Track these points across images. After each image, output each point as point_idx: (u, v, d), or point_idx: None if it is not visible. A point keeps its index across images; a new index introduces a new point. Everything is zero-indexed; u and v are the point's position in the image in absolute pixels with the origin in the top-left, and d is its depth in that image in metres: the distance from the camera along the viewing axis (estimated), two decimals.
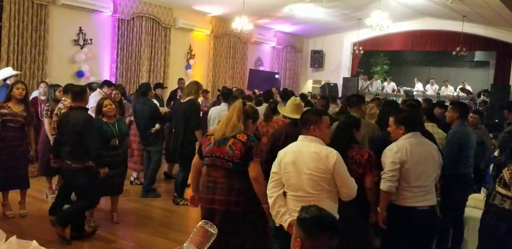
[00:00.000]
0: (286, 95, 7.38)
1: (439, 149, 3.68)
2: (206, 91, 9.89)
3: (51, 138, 5.36)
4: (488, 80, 16.50)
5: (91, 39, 9.59)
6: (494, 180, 4.20)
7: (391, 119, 3.53)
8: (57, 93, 5.58)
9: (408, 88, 15.84)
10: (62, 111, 5.02)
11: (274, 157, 3.08)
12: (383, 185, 3.31)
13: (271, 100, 6.40)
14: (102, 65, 10.04)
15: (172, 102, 8.81)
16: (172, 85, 11.06)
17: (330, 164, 2.81)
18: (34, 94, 7.01)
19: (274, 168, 2.98)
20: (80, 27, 9.41)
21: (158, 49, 11.12)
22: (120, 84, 8.71)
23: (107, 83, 6.85)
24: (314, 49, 16.93)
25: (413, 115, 3.62)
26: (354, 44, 15.68)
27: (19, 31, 8.26)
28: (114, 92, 6.51)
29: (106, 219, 5.03)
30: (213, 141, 3.22)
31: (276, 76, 15.11)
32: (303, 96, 8.78)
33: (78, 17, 9.38)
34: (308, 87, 17.47)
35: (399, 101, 7.30)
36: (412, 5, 12.65)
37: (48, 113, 5.43)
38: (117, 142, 4.73)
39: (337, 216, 2.86)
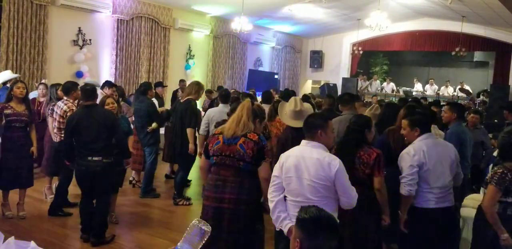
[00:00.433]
0: (288, 95, 7.36)
1: None
2: (210, 91, 9.91)
3: (53, 137, 5.36)
4: (488, 80, 16.50)
5: (90, 40, 9.59)
6: None
7: (404, 122, 3.51)
8: (58, 92, 5.57)
9: (407, 88, 15.84)
10: (69, 114, 5.00)
11: None
12: (403, 190, 3.29)
13: (275, 100, 6.38)
14: (101, 66, 10.04)
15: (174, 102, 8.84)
16: (171, 85, 11.07)
17: (332, 172, 2.76)
18: (32, 95, 7.00)
19: (276, 171, 2.93)
20: (79, 28, 9.41)
21: (157, 49, 11.12)
22: (120, 85, 8.71)
23: (108, 83, 6.84)
24: (313, 50, 16.93)
25: (426, 116, 3.62)
26: (354, 45, 15.68)
27: (18, 31, 8.26)
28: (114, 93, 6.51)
29: None
30: (222, 140, 3.20)
31: (276, 76, 15.11)
32: (306, 97, 8.75)
33: (77, 18, 9.37)
34: (307, 87, 17.47)
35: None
36: (411, 5, 12.65)
37: (50, 112, 5.43)
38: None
39: (337, 221, 2.86)
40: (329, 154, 2.87)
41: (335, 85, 15.17)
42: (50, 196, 5.52)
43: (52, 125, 5.33)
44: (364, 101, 11.13)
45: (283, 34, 15.68)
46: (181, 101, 5.82)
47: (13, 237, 1.89)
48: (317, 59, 16.83)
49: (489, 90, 13.77)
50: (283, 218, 2.86)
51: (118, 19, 10.05)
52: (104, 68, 10.08)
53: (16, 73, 8.21)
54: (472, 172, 5.25)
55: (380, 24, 11.15)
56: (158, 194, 6.19)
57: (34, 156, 5.08)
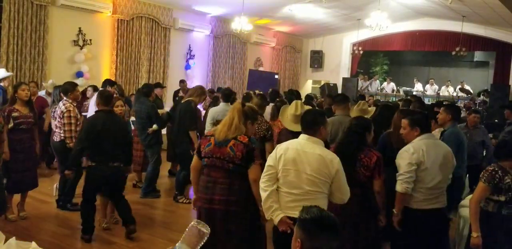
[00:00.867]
0: (291, 95, 7.38)
1: None
2: (212, 91, 9.92)
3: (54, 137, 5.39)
4: (488, 80, 16.50)
5: (90, 40, 9.59)
6: None
7: (404, 122, 3.51)
8: (62, 95, 5.58)
9: (407, 88, 15.85)
10: (66, 114, 5.04)
11: None
12: (400, 187, 3.29)
13: (277, 100, 6.42)
14: (102, 66, 10.04)
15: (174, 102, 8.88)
16: (171, 85, 11.08)
17: (333, 169, 2.84)
18: (39, 93, 7.07)
19: (271, 161, 2.96)
20: (79, 28, 9.41)
21: (157, 49, 11.12)
22: (119, 84, 8.71)
23: (109, 82, 6.83)
24: (313, 49, 16.92)
25: (426, 116, 3.61)
26: (354, 44, 15.67)
27: (19, 31, 8.26)
28: (115, 92, 6.52)
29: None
30: (213, 142, 3.22)
31: (276, 76, 15.11)
32: (309, 98, 8.77)
33: (77, 18, 9.37)
34: (307, 87, 17.46)
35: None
36: (411, 5, 12.64)
37: (53, 114, 5.46)
38: None
39: None
40: (329, 151, 2.97)
41: (335, 85, 15.16)
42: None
43: (54, 127, 5.37)
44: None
45: (283, 34, 15.68)
46: (182, 101, 5.87)
47: (14, 238, 1.90)
48: (317, 59, 16.82)
49: (489, 90, 13.77)
50: (275, 209, 2.90)
51: (118, 19, 10.06)
52: (104, 68, 10.08)
53: (16, 73, 8.24)
54: (472, 172, 5.26)
55: (380, 24, 11.15)
56: (159, 195, 6.19)
57: (38, 156, 5.14)
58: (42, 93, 7.46)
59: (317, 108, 7.07)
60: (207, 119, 6.09)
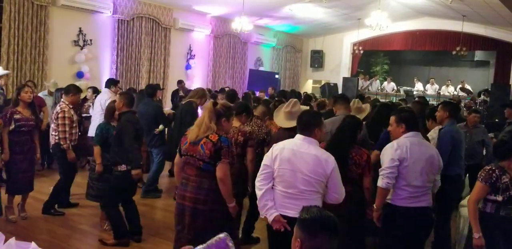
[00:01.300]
0: (292, 95, 7.46)
1: None
2: (216, 91, 9.95)
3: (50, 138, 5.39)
4: (488, 79, 16.50)
5: (91, 40, 9.60)
6: None
7: (392, 118, 3.54)
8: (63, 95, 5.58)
9: (408, 88, 15.84)
10: (60, 115, 5.03)
11: None
12: (381, 182, 3.30)
13: (276, 99, 6.45)
14: (102, 66, 10.05)
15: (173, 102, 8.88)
16: (172, 85, 11.09)
17: (328, 168, 2.88)
18: (40, 94, 7.07)
19: (267, 161, 3.01)
20: (80, 28, 9.42)
21: (158, 49, 11.13)
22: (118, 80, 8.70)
23: (112, 81, 6.80)
24: (314, 49, 16.93)
25: (414, 115, 3.62)
26: (354, 44, 15.68)
27: (19, 32, 8.27)
28: (119, 91, 6.52)
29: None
30: (189, 140, 3.31)
31: (276, 76, 15.12)
32: (308, 97, 8.79)
33: (78, 18, 9.38)
34: (308, 87, 17.47)
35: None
36: (411, 4, 12.64)
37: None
38: None
39: None
40: (324, 151, 3.01)
41: (335, 84, 15.17)
42: None
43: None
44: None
45: (284, 33, 15.68)
46: (183, 103, 5.92)
47: (14, 238, 1.90)
48: (317, 58, 16.83)
49: (490, 89, 13.76)
50: (270, 207, 2.94)
51: (118, 19, 10.07)
52: (104, 68, 10.09)
53: (17, 73, 8.25)
54: (472, 171, 5.25)
55: (380, 23, 11.15)
56: (160, 194, 6.19)
57: (38, 160, 5.14)
58: (44, 93, 7.46)
59: (316, 108, 7.12)
60: None
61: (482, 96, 13.89)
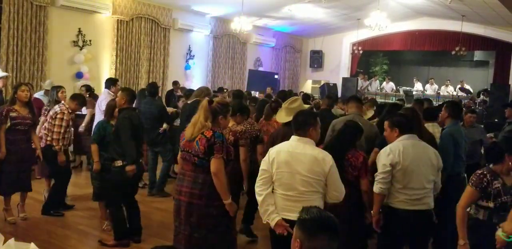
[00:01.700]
0: (284, 96, 7.50)
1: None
2: (215, 91, 9.94)
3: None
4: (488, 79, 16.51)
5: (90, 40, 9.60)
6: None
7: (385, 123, 3.56)
8: (59, 94, 5.55)
9: (407, 88, 15.83)
10: (59, 116, 4.97)
11: None
12: (375, 188, 3.33)
13: (272, 99, 6.45)
14: (101, 66, 10.05)
15: (170, 102, 8.88)
16: (171, 86, 11.08)
17: (326, 167, 2.88)
18: (36, 95, 7.04)
19: (264, 165, 3.01)
20: (79, 28, 9.42)
21: (157, 50, 11.12)
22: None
23: (112, 81, 6.75)
24: (313, 49, 16.94)
25: (407, 118, 3.62)
26: (353, 44, 15.68)
27: (18, 32, 8.27)
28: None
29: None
30: (186, 137, 3.34)
31: (276, 76, 15.12)
32: (306, 96, 8.83)
33: (77, 18, 9.38)
34: (307, 87, 17.48)
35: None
36: (411, 5, 12.65)
37: (46, 112, 5.43)
38: None
39: None
40: (321, 150, 3.01)
41: (335, 85, 15.17)
42: None
43: (42, 126, 5.31)
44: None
45: (283, 34, 15.68)
46: (189, 102, 5.94)
47: (13, 239, 1.90)
48: (317, 59, 16.83)
49: (489, 89, 13.77)
50: (271, 212, 2.93)
51: (118, 19, 10.06)
52: (104, 68, 10.09)
53: (16, 74, 8.24)
54: (471, 171, 5.25)
55: (379, 23, 11.16)
56: (169, 193, 6.22)
57: (41, 159, 5.10)
58: (40, 93, 7.43)
59: (314, 108, 7.14)
60: None
61: (481, 96, 13.90)
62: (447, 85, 15.79)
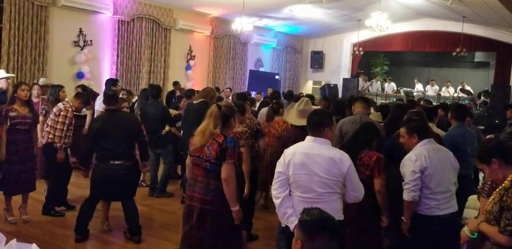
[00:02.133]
0: (290, 96, 7.46)
1: None
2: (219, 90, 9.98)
3: (40, 137, 5.38)
4: (488, 80, 16.49)
5: (91, 40, 9.60)
6: None
7: (402, 130, 3.53)
8: (61, 94, 5.51)
9: (408, 89, 15.84)
10: (63, 113, 4.94)
11: None
12: (407, 196, 3.26)
13: (274, 101, 6.45)
14: (102, 67, 10.05)
15: (170, 103, 8.87)
16: (172, 86, 11.08)
17: (344, 168, 2.81)
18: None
19: (280, 167, 2.94)
20: (80, 29, 9.42)
21: (158, 50, 11.13)
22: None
23: (112, 82, 6.72)
24: (314, 50, 16.94)
25: (423, 122, 3.64)
26: (354, 45, 15.68)
27: (19, 32, 8.27)
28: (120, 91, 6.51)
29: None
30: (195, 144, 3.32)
31: (276, 77, 15.12)
32: (310, 98, 8.81)
33: (78, 18, 9.38)
34: (308, 88, 17.47)
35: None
36: (412, 5, 12.65)
37: (43, 112, 5.42)
38: None
39: (343, 217, 2.90)
40: (338, 150, 2.95)
41: (335, 85, 15.18)
42: None
43: (43, 125, 5.28)
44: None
45: (284, 34, 15.68)
46: (195, 102, 5.87)
47: (15, 240, 1.90)
48: (317, 59, 16.83)
49: (490, 90, 13.77)
50: (290, 215, 2.86)
51: (119, 20, 10.07)
52: (105, 69, 10.10)
53: (17, 74, 8.24)
54: (473, 173, 5.25)
55: (380, 24, 11.16)
56: (172, 193, 6.24)
57: (38, 157, 5.11)
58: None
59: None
60: None
61: (482, 97, 13.90)
62: (447, 86, 15.79)
